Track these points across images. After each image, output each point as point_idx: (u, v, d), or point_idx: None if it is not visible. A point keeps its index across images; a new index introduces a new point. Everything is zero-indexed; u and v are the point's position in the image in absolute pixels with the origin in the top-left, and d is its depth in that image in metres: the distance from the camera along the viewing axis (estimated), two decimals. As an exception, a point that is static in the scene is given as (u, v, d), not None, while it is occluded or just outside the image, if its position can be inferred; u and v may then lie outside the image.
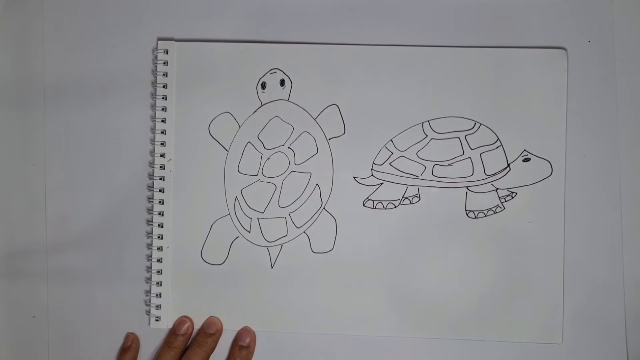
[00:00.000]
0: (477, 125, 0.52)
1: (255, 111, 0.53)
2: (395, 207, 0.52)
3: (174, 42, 0.54)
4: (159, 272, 0.54)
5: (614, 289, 0.50)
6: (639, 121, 0.50)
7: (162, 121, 0.54)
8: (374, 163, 0.52)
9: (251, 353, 0.53)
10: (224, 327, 0.53)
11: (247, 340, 0.53)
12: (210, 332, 0.53)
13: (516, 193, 0.51)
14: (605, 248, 0.50)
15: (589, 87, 0.50)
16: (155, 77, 0.54)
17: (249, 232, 0.53)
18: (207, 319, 0.54)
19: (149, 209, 0.54)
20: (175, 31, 0.54)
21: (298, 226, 0.53)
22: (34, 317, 0.55)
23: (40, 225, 0.55)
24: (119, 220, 0.54)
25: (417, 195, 0.52)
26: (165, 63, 0.53)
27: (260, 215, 0.53)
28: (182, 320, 0.54)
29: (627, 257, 0.50)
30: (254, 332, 0.53)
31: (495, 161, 0.52)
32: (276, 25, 0.53)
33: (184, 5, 0.54)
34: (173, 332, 0.53)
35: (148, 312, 0.54)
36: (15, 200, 0.55)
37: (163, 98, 0.54)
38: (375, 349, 0.52)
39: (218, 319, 0.53)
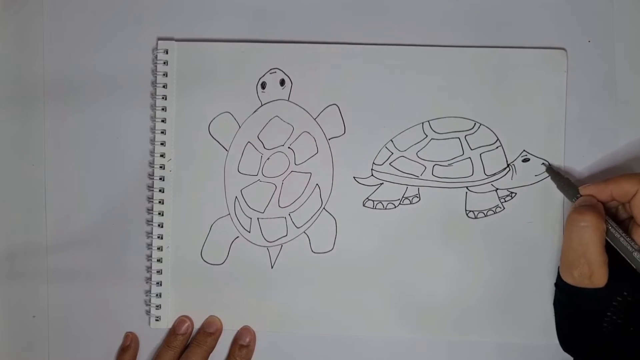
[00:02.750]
0: (477, 125, 0.52)
1: (255, 111, 0.53)
2: (395, 207, 0.52)
3: (174, 42, 0.54)
4: (159, 272, 0.54)
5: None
6: (638, 121, 0.50)
7: (162, 121, 0.54)
8: (374, 163, 0.52)
9: (251, 352, 0.53)
10: (224, 327, 0.53)
11: (247, 339, 0.53)
12: (210, 332, 0.53)
13: (516, 193, 0.51)
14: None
15: (589, 87, 0.50)
16: (155, 77, 0.54)
17: (249, 232, 0.53)
18: (207, 319, 0.54)
19: (148, 209, 0.54)
20: (176, 31, 0.54)
21: (298, 226, 0.53)
22: (34, 317, 0.55)
23: (40, 225, 0.55)
24: (119, 220, 0.54)
25: (417, 195, 0.52)
26: (165, 63, 0.53)
27: (260, 215, 0.53)
28: (182, 319, 0.54)
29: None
30: (253, 331, 0.53)
31: (495, 161, 0.52)
32: (276, 25, 0.53)
33: (184, 5, 0.54)
34: (173, 332, 0.53)
35: (148, 312, 0.54)
36: (15, 200, 0.55)
37: (163, 98, 0.53)
38: (375, 349, 0.52)
39: (218, 318, 0.54)
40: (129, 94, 0.54)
